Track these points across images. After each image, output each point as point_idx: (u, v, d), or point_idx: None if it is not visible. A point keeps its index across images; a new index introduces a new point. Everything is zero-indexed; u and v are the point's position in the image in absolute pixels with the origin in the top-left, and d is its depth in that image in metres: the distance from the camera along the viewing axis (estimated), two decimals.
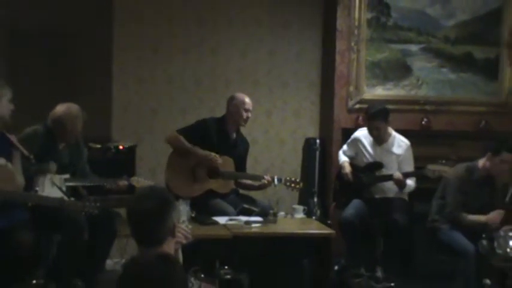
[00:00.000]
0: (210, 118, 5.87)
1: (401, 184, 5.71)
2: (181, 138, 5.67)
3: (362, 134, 6.03)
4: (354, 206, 5.79)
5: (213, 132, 5.76)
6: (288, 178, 5.78)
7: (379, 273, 5.64)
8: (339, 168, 6.06)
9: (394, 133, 5.93)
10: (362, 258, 5.84)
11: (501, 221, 5.29)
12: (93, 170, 5.45)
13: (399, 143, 5.90)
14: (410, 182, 5.77)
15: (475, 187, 5.44)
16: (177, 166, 5.68)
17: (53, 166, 4.89)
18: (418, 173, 5.73)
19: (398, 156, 5.86)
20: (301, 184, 5.81)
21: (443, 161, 5.58)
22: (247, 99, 5.76)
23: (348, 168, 5.95)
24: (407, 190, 5.82)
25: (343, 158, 6.07)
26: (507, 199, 5.56)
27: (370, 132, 5.89)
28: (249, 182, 5.88)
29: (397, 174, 5.69)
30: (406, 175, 5.71)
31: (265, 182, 5.70)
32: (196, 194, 5.57)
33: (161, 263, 2.35)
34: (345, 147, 6.12)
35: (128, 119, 6.66)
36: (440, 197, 5.56)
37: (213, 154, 5.62)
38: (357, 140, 6.02)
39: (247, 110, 5.74)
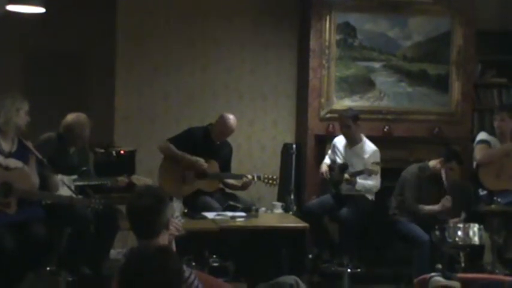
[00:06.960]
0: (195, 127, 5.88)
1: (351, 183, 5.72)
2: (171, 147, 5.66)
3: (338, 139, 6.07)
4: (320, 199, 5.95)
5: (199, 139, 5.75)
6: (265, 175, 5.78)
7: (345, 260, 5.67)
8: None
9: (365, 139, 5.96)
10: (327, 245, 5.90)
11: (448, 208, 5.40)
12: (98, 171, 5.44)
13: (367, 148, 5.92)
14: (370, 182, 5.72)
15: (426, 183, 5.54)
16: (169, 171, 5.67)
17: (61, 177, 4.88)
18: (363, 171, 5.67)
19: (364, 158, 5.88)
20: (276, 180, 5.82)
21: (377, 162, 5.64)
22: (229, 124, 5.71)
23: (323, 168, 5.99)
24: (366, 189, 5.76)
25: (324, 160, 6.12)
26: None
27: (341, 130, 5.95)
28: (233, 182, 5.86)
29: (346, 176, 5.71)
30: (352, 174, 5.70)
31: (246, 180, 5.69)
32: (185, 193, 5.54)
33: (158, 253, 2.37)
34: (329, 151, 6.16)
35: (128, 127, 6.64)
36: (399, 193, 5.63)
37: (199, 160, 5.63)
38: (334, 145, 6.07)
39: (222, 132, 5.74)
